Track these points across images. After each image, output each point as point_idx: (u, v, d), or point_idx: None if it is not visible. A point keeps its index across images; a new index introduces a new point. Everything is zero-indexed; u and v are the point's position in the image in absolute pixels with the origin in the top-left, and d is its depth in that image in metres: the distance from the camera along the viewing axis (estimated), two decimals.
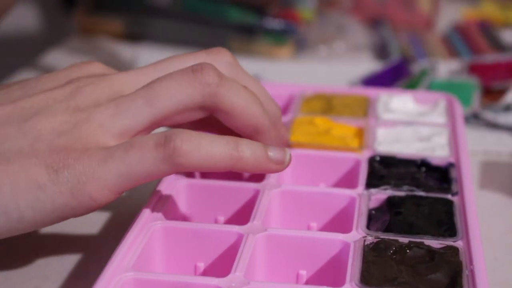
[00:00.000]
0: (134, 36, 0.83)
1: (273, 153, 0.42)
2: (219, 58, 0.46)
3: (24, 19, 1.01)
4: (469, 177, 0.47)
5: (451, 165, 0.48)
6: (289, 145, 0.49)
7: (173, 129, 0.41)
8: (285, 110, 0.56)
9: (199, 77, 0.42)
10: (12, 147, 0.40)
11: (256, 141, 0.43)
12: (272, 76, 0.73)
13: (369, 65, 0.77)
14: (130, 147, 0.40)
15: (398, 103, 0.57)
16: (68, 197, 0.39)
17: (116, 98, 0.42)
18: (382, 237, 0.41)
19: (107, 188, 0.40)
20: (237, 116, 0.44)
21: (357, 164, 0.48)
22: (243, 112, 0.43)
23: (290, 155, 0.43)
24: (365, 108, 0.56)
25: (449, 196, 0.45)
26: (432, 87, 0.67)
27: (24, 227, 0.40)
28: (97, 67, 0.45)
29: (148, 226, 0.41)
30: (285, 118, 0.53)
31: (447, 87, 0.67)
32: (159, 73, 0.44)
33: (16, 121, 0.41)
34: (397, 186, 0.46)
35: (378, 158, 0.49)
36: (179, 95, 0.42)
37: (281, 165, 0.43)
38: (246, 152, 0.41)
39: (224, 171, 0.41)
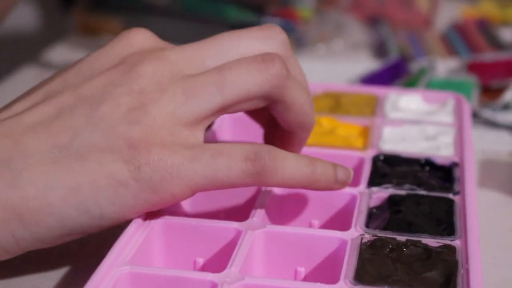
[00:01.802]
0: None
1: (341, 176, 0.43)
2: (274, 36, 0.45)
3: (24, 18, 1.01)
4: (472, 176, 0.47)
5: (455, 164, 0.48)
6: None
7: (261, 145, 0.41)
8: None
9: (270, 68, 0.42)
10: (83, 142, 0.40)
11: (298, 135, 0.45)
12: None
13: (368, 64, 0.77)
14: (219, 154, 0.40)
15: (406, 102, 0.57)
16: (150, 193, 0.39)
17: (181, 80, 0.42)
18: (379, 235, 0.41)
19: (190, 187, 0.40)
20: (294, 110, 0.44)
21: (361, 162, 0.48)
22: (300, 108, 0.44)
23: (352, 175, 0.44)
24: (373, 107, 0.56)
25: (450, 195, 0.45)
26: (430, 85, 0.67)
27: (106, 223, 0.40)
28: (145, 37, 0.45)
29: (147, 222, 0.41)
30: None
31: (445, 85, 0.67)
32: (214, 52, 0.43)
33: (82, 112, 0.40)
34: (399, 184, 0.46)
35: (382, 157, 0.49)
36: (249, 84, 0.42)
37: (344, 186, 0.43)
38: (321, 175, 0.42)
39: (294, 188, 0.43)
